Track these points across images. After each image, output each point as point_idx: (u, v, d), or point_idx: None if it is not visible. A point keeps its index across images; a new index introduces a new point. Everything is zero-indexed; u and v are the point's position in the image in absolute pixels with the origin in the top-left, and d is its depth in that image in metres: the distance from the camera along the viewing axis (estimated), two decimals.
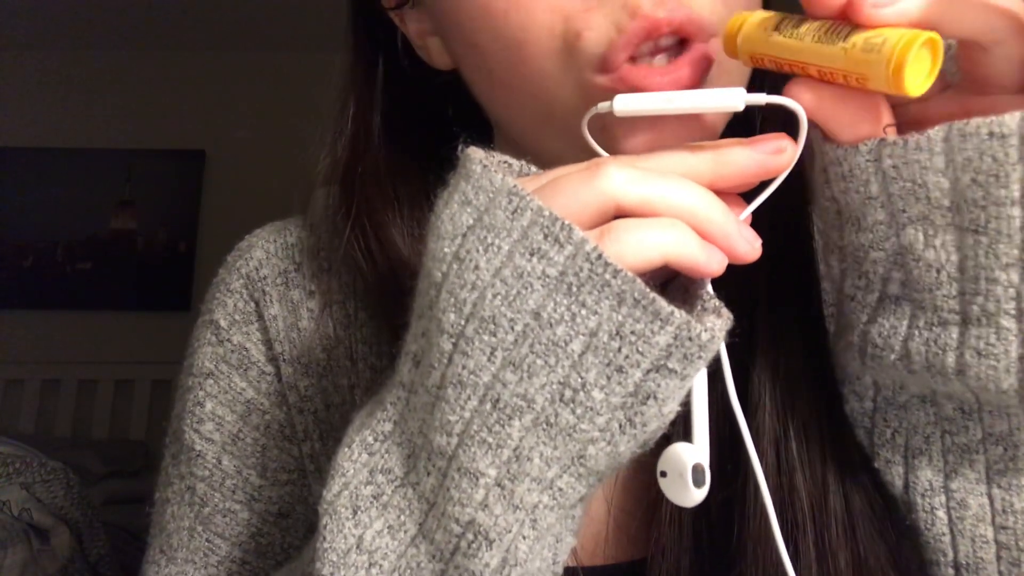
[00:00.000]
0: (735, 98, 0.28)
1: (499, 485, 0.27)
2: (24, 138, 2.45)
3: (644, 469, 0.41)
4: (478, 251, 0.27)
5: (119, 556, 1.57)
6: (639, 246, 0.26)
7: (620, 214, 0.27)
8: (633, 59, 0.32)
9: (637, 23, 0.30)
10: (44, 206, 2.45)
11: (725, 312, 0.29)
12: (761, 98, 0.28)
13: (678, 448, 0.29)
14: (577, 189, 0.27)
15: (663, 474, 0.29)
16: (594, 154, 0.31)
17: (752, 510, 0.36)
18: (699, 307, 0.29)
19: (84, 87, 2.50)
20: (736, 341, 0.30)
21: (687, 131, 0.33)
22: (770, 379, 0.37)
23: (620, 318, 0.26)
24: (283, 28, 2.34)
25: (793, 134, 0.29)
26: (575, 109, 0.33)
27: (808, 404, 0.37)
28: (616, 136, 0.33)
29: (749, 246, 0.29)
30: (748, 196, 0.31)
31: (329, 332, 0.43)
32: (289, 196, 0.50)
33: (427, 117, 0.45)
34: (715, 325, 0.28)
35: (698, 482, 0.28)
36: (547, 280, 0.26)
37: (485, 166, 0.28)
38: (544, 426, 0.27)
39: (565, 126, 0.33)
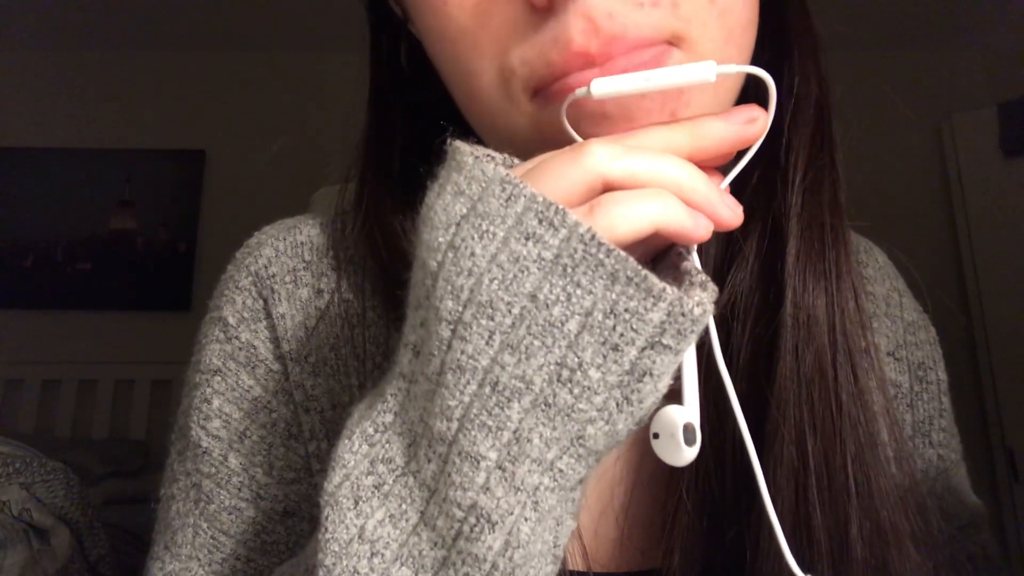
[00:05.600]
0: (707, 71, 0.30)
1: (500, 468, 0.27)
2: (24, 138, 2.46)
3: (657, 482, 0.41)
4: (473, 239, 0.27)
5: (119, 556, 1.57)
6: (629, 216, 0.27)
7: (608, 189, 0.28)
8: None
9: (566, 58, 0.30)
10: (44, 206, 2.45)
11: (711, 285, 0.29)
12: (732, 68, 0.30)
13: (669, 410, 0.29)
14: (564, 169, 0.28)
15: (655, 435, 0.30)
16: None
17: (766, 548, 0.35)
18: (687, 283, 0.30)
19: (84, 87, 2.50)
20: (754, 369, 0.29)
21: (665, 114, 0.33)
22: (789, 406, 0.36)
23: (614, 296, 0.26)
24: (283, 28, 2.34)
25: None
26: (528, 137, 0.33)
27: (832, 434, 0.35)
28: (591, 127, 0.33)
29: (732, 212, 0.30)
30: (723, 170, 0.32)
31: (337, 331, 0.43)
32: (289, 196, 0.50)
33: (441, 119, 0.45)
34: (704, 299, 0.28)
35: (689, 441, 0.29)
36: (543, 263, 0.26)
37: (476, 157, 0.28)
38: (543, 407, 0.27)
39: (522, 153, 0.33)
